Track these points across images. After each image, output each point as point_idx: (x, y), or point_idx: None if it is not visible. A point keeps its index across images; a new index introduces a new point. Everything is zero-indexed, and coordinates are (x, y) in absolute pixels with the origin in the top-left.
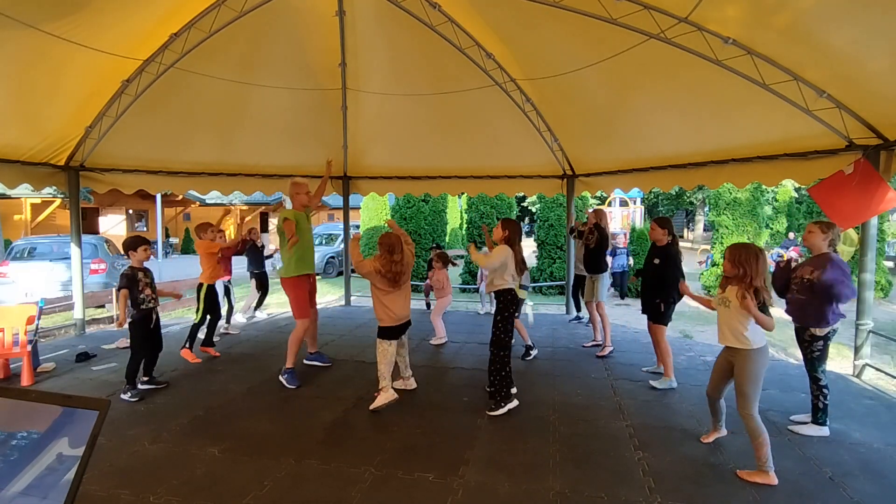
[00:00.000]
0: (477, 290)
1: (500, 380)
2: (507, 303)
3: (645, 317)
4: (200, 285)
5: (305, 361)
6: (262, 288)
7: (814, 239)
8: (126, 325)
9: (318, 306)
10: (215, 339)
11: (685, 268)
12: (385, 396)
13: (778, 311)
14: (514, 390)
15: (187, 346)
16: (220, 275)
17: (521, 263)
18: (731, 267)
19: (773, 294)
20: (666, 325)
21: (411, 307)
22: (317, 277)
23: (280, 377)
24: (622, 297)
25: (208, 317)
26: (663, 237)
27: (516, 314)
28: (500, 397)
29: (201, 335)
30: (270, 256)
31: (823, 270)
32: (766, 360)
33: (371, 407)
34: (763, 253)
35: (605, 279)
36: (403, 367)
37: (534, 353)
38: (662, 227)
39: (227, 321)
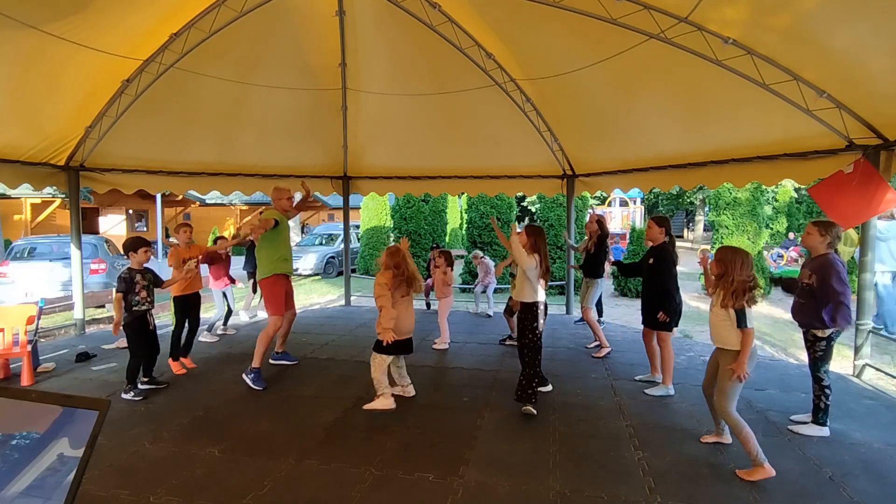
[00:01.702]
0: (480, 290)
1: (534, 383)
2: (536, 314)
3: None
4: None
5: (271, 361)
6: None
7: (812, 240)
8: (121, 328)
9: (318, 306)
10: (214, 339)
11: (684, 267)
12: (383, 402)
13: (779, 311)
14: (549, 387)
15: (170, 356)
16: (191, 286)
17: (546, 272)
18: (716, 266)
19: (775, 297)
20: (671, 330)
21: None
22: (317, 277)
23: (244, 376)
24: None
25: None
26: (660, 236)
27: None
28: (529, 395)
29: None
30: None
31: (821, 277)
32: (752, 363)
33: (364, 407)
34: (749, 257)
35: (599, 285)
36: (398, 377)
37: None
38: (660, 225)
39: (225, 323)
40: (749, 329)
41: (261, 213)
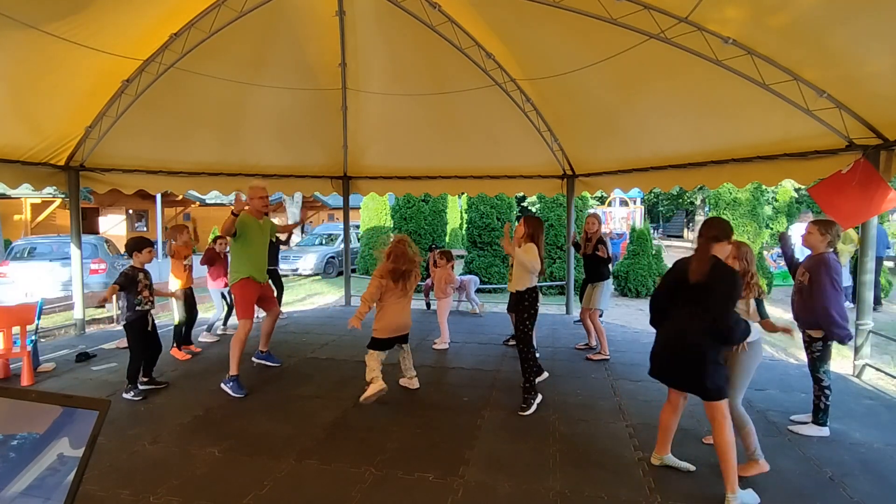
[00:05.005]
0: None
1: (533, 375)
2: (533, 300)
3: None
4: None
5: (254, 360)
6: (277, 286)
7: (812, 239)
8: (122, 325)
9: (318, 306)
10: (214, 339)
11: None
12: (374, 387)
13: (779, 311)
14: (545, 375)
15: (174, 345)
16: (188, 281)
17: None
18: None
19: (775, 296)
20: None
21: (411, 307)
22: (317, 277)
23: (223, 385)
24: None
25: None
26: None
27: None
28: (529, 395)
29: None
30: (286, 242)
31: (813, 275)
32: (758, 355)
33: (361, 398)
34: (750, 251)
35: (606, 287)
36: (404, 368)
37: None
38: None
39: (225, 323)
40: (767, 319)
41: (273, 210)
